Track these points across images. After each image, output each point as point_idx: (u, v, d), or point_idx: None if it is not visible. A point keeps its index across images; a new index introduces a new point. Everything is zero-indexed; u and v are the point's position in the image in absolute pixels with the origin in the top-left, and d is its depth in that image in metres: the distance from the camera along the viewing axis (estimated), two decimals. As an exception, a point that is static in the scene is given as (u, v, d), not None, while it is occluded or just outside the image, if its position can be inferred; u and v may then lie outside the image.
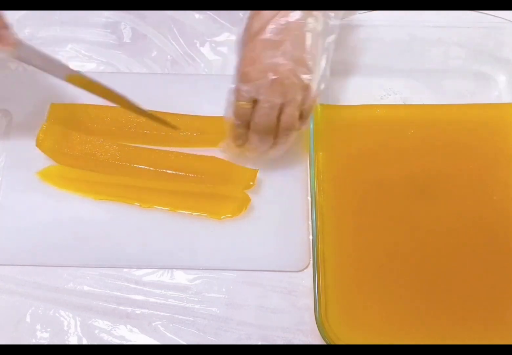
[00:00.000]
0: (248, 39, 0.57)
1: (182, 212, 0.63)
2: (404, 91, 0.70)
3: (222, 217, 0.63)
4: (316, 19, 0.56)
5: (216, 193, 0.63)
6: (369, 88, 0.69)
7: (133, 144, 0.66)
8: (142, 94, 0.68)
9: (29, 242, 0.62)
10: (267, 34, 0.55)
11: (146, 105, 0.67)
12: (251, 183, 0.63)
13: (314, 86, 0.57)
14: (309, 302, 0.58)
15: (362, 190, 0.63)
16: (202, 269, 0.62)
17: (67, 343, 0.59)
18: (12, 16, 0.72)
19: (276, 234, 0.63)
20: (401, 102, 0.69)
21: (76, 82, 0.61)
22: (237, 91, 0.57)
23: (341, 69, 0.70)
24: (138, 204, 0.63)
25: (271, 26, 0.55)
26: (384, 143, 0.66)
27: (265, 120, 0.57)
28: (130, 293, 0.61)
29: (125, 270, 0.62)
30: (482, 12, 0.66)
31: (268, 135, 0.59)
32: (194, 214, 0.63)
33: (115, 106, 0.63)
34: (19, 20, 0.73)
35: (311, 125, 0.63)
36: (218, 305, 0.60)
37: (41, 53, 0.58)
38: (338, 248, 0.60)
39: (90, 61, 0.72)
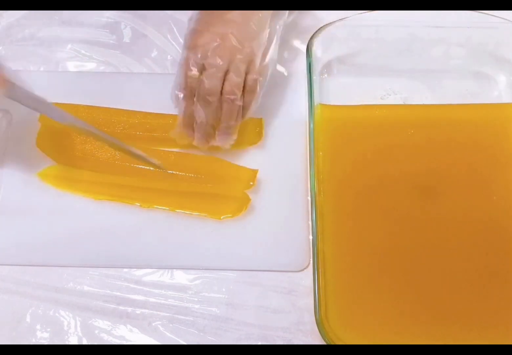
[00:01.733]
0: (200, 14, 0.61)
1: (182, 211, 0.63)
2: (404, 91, 0.70)
3: (222, 217, 0.63)
4: None
5: (216, 193, 0.63)
6: (369, 88, 0.69)
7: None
8: (142, 94, 0.69)
9: (29, 242, 0.62)
10: (217, 12, 0.60)
11: (146, 106, 0.67)
12: (251, 183, 0.63)
13: (257, 59, 0.60)
14: (309, 302, 0.58)
15: (362, 189, 0.63)
16: (202, 269, 0.62)
17: (67, 343, 0.59)
18: (12, 16, 0.73)
19: (276, 234, 0.63)
20: (401, 102, 0.69)
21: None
22: (186, 61, 0.60)
23: (341, 69, 0.70)
24: (139, 204, 0.63)
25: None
26: (384, 143, 0.66)
27: (210, 83, 0.59)
28: (130, 293, 0.61)
29: (125, 270, 0.62)
30: (482, 12, 0.66)
31: (212, 105, 0.60)
32: (194, 213, 0.63)
33: (106, 107, 0.64)
34: (19, 20, 0.73)
35: (311, 125, 0.63)
36: (218, 305, 0.60)
37: (33, 95, 0.59)
38: (338, 248, 0.60)
39: (90, 61, 0.72)
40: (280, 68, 0.71)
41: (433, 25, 0.67)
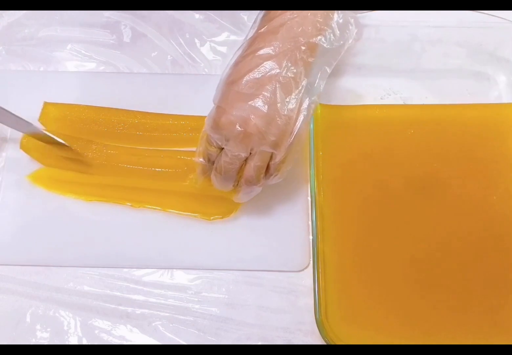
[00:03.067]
0: (224, 88, 0.56)
1: (174, 211, 0.63)
2: (404, 91, 0.69)
3: (211, 218, 0.63)
4: (298, 75, 0.54)
5: (207, 194, 0.63)
6: (369, 88, 0.69)
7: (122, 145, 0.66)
8: (142, 94, 0.69)
9: (29, 242, 0.62)
10: (241, 86, 0.54)
11: (145, 105, 0.67)
12: None
13: (282, 147, 0.55)
14: (309, 302, 0.58)
15: (362, 189, 0.63)
16: (202, 269, 0.62)
17: (67, 343, 0.59)
18: (12, 16, 0.73)
19: (276, 234, 0.63)
20: (401, 102, 0.69)
21: (36, 137, 0.63)
22: (207, 137, 0.57)
23: (341, 69, 0.70)
24: (130, 204, 0.63)
25: (246, 78, 0.54)
26: (384, 143, 0.66)
27: (226, 168, 0.56)
28: (130, 293, 0.61)
29: (125, 270, 0.62)
30: (482, 12, 0.66)
31: (227, 182, 0.58)
32: (185, 214, 0.63)
33: (106, 107, 0.64)
34: (19, 20, 0.73)
35: (311, 125, 0.63)
36: (218, 305, 0.60)
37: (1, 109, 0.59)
38: (338, 248, 0.60)
39: (90, 61, 0.72)
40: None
41: (433, 25, 0.67)
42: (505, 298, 0.59)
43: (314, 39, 0.55)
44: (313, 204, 0.60)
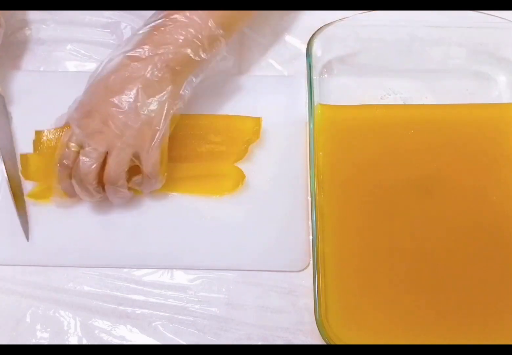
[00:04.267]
0: (91, 84, 0.59)
1: (177, 194, 0.63)
2: (404, 91, 0.70)
3: (217, 195, 0.63)
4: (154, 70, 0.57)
5: (210, 173, 0.64)
6: (369, 88, 0.69)
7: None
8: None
9: (30, 242, 0.62)
10: (107, 83, 0.57)
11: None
12: (256, 128, 0.64)
13: (141, 145, 0.57)
14: (309, 302, 0.58)
15: (362, 189, 0.63)
16: (202, 269, 0.62)
17: (67, 343, 0.59)
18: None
19: (276, 234, 0.63)
20: (401, 102, 0.69)
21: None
22: (70, 132, 0.58)
23: (341, 69, 0.70)
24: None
25: (113, 77, 0.57)
26: (384, 143, 0.66)
27: (85, 170, 0.57)
28: (130, 293, 0.61)
29: (125, 270, 0.62)
30: (482, 12, 0.66)
31: (87, 186, 0.58)
32: (192, 195, 0.63)
33: None
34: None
35: (311, 125, 0.63)
36: (218, 305, 0.60)
37: None
38: (338, 248, 0.60)
39: (90, 61, 0.72)
40: (280, 68, 0.71)
41: (433, 25, 0.67)
42: (505, 298, 0.59)
43: (183, 49, 0.58)
44: (313, 204, 0.60)
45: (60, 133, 0.60)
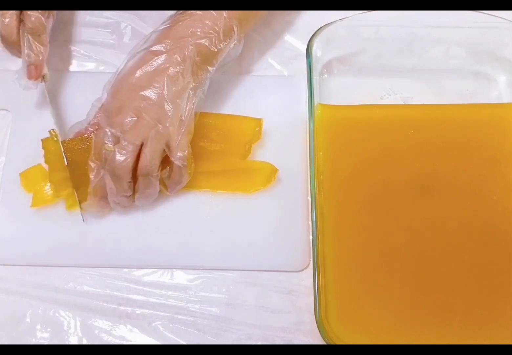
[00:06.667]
0: (117, 81, 0.61)
1: (209, 191, 0.64)
2: (404, 91, 0.70)
3: (251, 191, 0.64)
4: (185, 69, 0.60)
5: (241, 168, 0.64)
6: (369, 88, 0.69)
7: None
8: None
9: (29, 242, 0.62)
10: (134, 79, 0.60)
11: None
12: (257, 129, 0.65)
13: (172, 132, 0.59)
14: (309, 302, 0.58)
15: (362, 189, 0.63)
16: (202, 269, 0.62)
17: (67, 343, 0.59)
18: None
19: (276, 234, 0.63)
20: (401, 102, 0.69)
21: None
22: (103, 133, 0.59)
23: (341, 69, 0.70)
24: None
25: (139, 72, 0.60)
26: (384, 143, 0.66)
27: (120, 165, 0.58)
28: (130, 293, 0.61)
29: (125, 270, 0.62)
30: (482, 12, 0.66)
31: (121, 180, 0.59)
32: (221, 191, 0.64)
33: None
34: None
35: (311, 125, 0.63)
36: (218, 305, 0.60)
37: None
38: (338, 248, 0.60)
39: (90, 61, 0.72)
40: (280, 68, 0.71)
41: (433, 25, 0.67)
42: (506, 298, 0.59)
43: (201, 41, 0.61)
44: (313, 204, 0.60)
45: (81, 144, 0.61)
